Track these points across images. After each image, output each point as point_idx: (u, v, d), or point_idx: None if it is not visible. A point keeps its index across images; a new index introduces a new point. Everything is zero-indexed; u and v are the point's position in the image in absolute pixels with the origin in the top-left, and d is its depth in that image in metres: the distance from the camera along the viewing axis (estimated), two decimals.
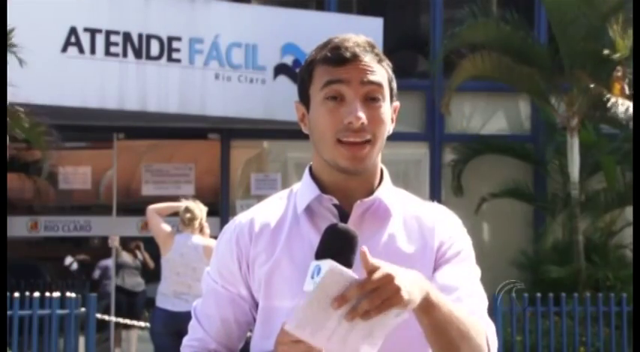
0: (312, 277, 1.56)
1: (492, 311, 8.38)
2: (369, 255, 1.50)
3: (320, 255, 1.59)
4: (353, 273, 1.50)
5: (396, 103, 1.83)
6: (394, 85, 1.81)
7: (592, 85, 10.06)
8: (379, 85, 1.74)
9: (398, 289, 1.47)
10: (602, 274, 10.17)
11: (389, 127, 1.79)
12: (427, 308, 1.58)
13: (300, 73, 1.83)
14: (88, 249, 13.13)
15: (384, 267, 1.49)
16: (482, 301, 1.80)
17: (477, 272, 1.84)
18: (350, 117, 1.70)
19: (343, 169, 1.75)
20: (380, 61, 1.77)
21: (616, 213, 11.31)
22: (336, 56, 1.73)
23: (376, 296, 1.46)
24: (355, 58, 1.73)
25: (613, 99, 9.89)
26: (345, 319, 1.48)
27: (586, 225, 10.88)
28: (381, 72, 1.76)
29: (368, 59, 1.74)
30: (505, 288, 8.86)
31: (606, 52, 10.16)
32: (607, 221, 11.26)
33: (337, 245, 1.59)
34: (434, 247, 1.81)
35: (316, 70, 1.77)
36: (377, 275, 1.47)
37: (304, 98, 1.81)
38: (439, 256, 1.80)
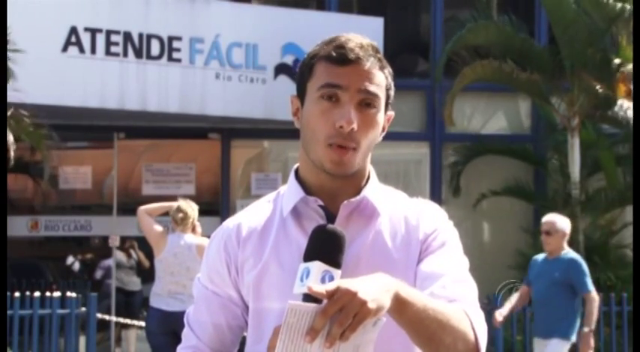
0: (302, 279, 1.56)
1: (492, 311, 8.38)
2: (316, 286, 1.49)
3: (308, 256, 1.59)
4: (311, 304, 1.47)
5: (390, 113, 1.83)
6: (392, 93, 1.81)
7: (597, 86, 10.01)
8: (375, 96, 1.75)
9: (363, 302, 1.45)
10: (602, 274, 10.15)
11: (378, 136, 1.80)
12: (400, 308, 1.56)
13: (301, 65, 1.83)
14: (89, 248, 13.14)
15: (343, 285, 1.47)
16: (468, 288, 1.77)
17: (464, 261, 1.83)
18: (341, 121, 1.71)
19: (327, 171, 1.76)
20: (382, 68, 1.77)
21: (616, 212, 11.31)
22: (340, 56, 1.74)
23: (344, 317, 1.45)
24: (358, 60, 1.73)
25: (618, 101, 9.85)
26: (325, 348, 1.47)
27: (586, 224, 10.87)
28: (380, 79, 1.76)
29: (370, 64, 1.74)
30: (505, 288, 8.85)
31: (611, 56, 10.10)
32: (607, 220, 11.25)
33: (325, 246, 1.59)
34: (419, 241, 1.81)
35: (317, 66, 1.77)
36: (337, 296, 1.45)
37: (301, 91, 1.81)
38: (424, 248, 1.80)
